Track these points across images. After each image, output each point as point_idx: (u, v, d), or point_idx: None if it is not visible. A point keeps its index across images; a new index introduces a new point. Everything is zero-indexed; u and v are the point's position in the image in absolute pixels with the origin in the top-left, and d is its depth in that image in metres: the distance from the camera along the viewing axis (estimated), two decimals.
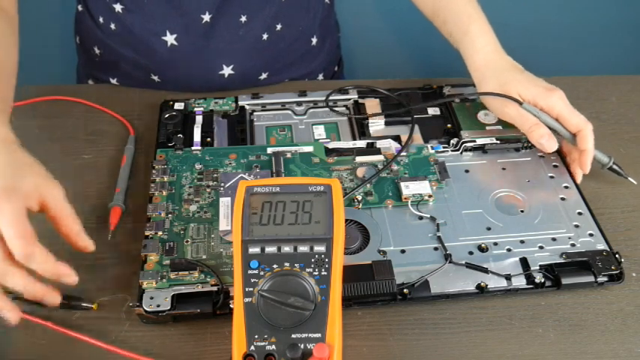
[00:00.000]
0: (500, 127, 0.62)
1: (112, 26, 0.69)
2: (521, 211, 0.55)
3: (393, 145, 0.61)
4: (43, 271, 0.44)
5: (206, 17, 0.66)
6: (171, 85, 0.70)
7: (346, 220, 0.53)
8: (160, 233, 0.51)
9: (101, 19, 0.69)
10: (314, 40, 0.75)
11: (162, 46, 0.68)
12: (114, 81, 0.73)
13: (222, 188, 0.55)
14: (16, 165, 0.45)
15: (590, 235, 0.53)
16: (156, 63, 0.70)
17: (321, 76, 0.79)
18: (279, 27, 0.71)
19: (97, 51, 0.73)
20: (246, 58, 0.70)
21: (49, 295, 0.45)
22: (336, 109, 0.65)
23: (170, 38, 0.67)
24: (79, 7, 0.73)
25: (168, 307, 0.46)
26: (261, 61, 0.72)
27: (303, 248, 0.44)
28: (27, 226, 0.43)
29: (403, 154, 0.60)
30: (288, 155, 0.59)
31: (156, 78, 0.71)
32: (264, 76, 0.72)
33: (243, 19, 0.67)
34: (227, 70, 0.70)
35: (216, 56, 0.69)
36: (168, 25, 0.67)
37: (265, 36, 0.70)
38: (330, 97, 0.66)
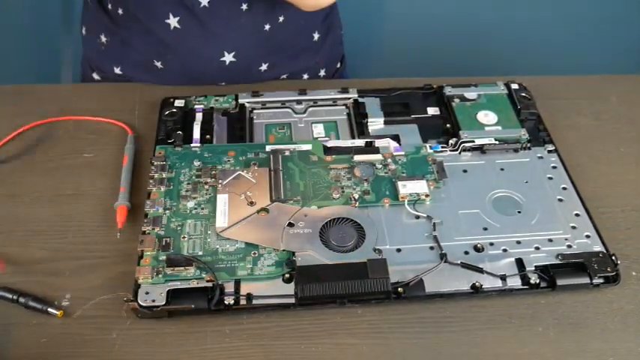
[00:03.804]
0: (499, 128, 0.62)
1: (120, 11, 0.70)
2: (519, 212, 0.55)
3: (392, 145, 0.61)
4: None
5: (204, 2, 0.66)
6: (174, 73, 0.71)
7: (342, 219, 0.53)
8: (157, 229, 0.52)
9: (110, 5, 0.71)
10: (315, 36, 0.76)
11: (166, 30, 0.69)
12: (117, 70, 0.74)
13: (220, 185, 0.56)
14: None
15: (587, 236, 0.53)
16: (159, 48, 0.71)
17: (322, 72, 0.79)
18: (281, 19, 0.71)
19: (103, 39, 0.74)
20: (247, 46, 0.71)
21: None
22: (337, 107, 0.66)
23: (173, 21, 0.68)
24: None
25: (163, 302, 0.47)
26: (262, 51, 0.72)
27: None
28: None
29: (402, 153, 0.60)
30: (287, 153, 0.59)
31: (159, 64, 0.72)
32: (264, 67, 0.73)
33: (244, 6, 0.68)
34: (228, 57, 0.71)
35: (217, 42, 0.70)
36: (170, 6, 0.67)
37: (267, 26, 0.71)
38: (330, 96, 0.66)
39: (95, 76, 0.77)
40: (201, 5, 0.67)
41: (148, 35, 0.70)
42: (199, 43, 0.69)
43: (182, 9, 0.68)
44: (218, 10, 0.67)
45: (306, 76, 0.77)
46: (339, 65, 0.83)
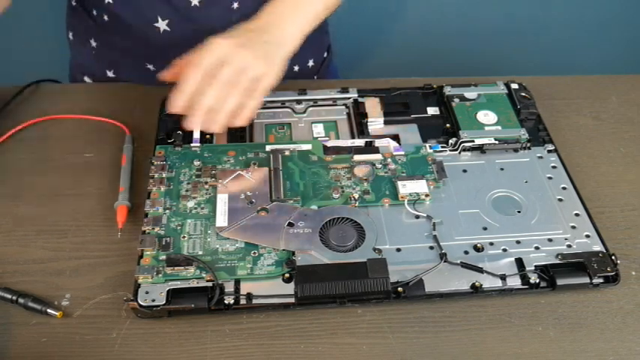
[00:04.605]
0: (499, 128, 0.62)
1: (105, 17, 0.69)
2: (518, 212, 0.55)
3: (392, 144, 0.61)
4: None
5: (194, 1, 0.66)
6: None
7: (342, 218, 0.53)
8: (157, 229, 0.52)
9: (94, 12, 0.70)
10: None
11: (156, 33, 0.68)
12: (110, 73, 0.73)
13: (219, 185, 0.56)
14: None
15: (587, 236, 0.53)
16: (150, 51, 0.70)
17: (311, 62, 0.79)
18: None
19: (93, 44, 0.73)
20: None
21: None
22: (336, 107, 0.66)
23: (162, 24, 0.68)
24: (73, 3, 0.73)
25: (163, 302, 0.47)
26: None
27: None
28: None
29: (401, 153, 0.60)
30: (287, 153, 0.59)
31: (150, 67, 0.71)
32: None
33: (235, 5, 0.68)
34: None
35: None
36: (158, 9, 0.67)
37: None
38: (330, 96, 0.66)
39: (87, 79, 0.77)
40: (192, 4, 0.67)
41: (137, 39, 0.70)
42: (190, 43, 0.69)
43: (171, 11, 0.67)
44: (209, 9, 0.67)
45: (296, 68, 0.78)
46: (325, 54, 0.84)
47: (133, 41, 0.70)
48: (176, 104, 0.52)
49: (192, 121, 0.52)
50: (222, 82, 0.52)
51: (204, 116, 0.52)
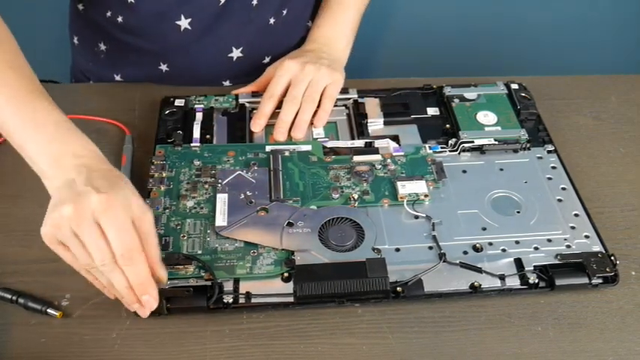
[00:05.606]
0: (499, 128, 0.62)
1: (120, 19, 0.69)
2: (518, 212, 0.55)
3: (391, 145, 0.61)
4: (135, 279, 0.43)
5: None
6: (179, 74, 0.71)
7: (341, 218, 0.53)
8: (156, 228, 0.52)
9: (109, 13, 0.70)
10: (309, 24, 0.77)
11: (175, 32, 0.68)
12: (118, 77, 0.74)
13: (219, 185, 0.56)
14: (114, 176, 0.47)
15: (586, 236, 0.53)
16: (167, 49, 0.71)
17: None
18: (285, 12, 0.72)
19: (102, 47, 0.73)
20: (255, 42, 0.72)
21: (140, 308, 0.45)
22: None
23: (184, 22, 0.68)
24: (80, 6, 0.73)
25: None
26: (267, 44, 0.73)
27: None
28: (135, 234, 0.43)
29: (401, 153, 0.60)
30: (287, 153, 0.59)
31: (164, 67, 0.72)
32: (267, 60, 0.74)
33: (255, 2, 0.68)
34: (236, 53, 0.71)
35: (227, 39, 0.71)
36: (184, 8, 0.67)
37: (272, 20, 0.71)
38: None
39: (91, 83, 0.77)
40: (221, 3, 0.67)
41: (154, 39, 0.70)
42: (209, 40, 0.70)
43: (197, 9, 0.67)
44: (231, 6, 0.68)
45: None
46: None
47: (149, 41, 0.70)
48: (258, 125, 0.62)
49: (278, 135, 0.61)
50: (297, 99, 0.62)
51: (287, 128, 0.61)
